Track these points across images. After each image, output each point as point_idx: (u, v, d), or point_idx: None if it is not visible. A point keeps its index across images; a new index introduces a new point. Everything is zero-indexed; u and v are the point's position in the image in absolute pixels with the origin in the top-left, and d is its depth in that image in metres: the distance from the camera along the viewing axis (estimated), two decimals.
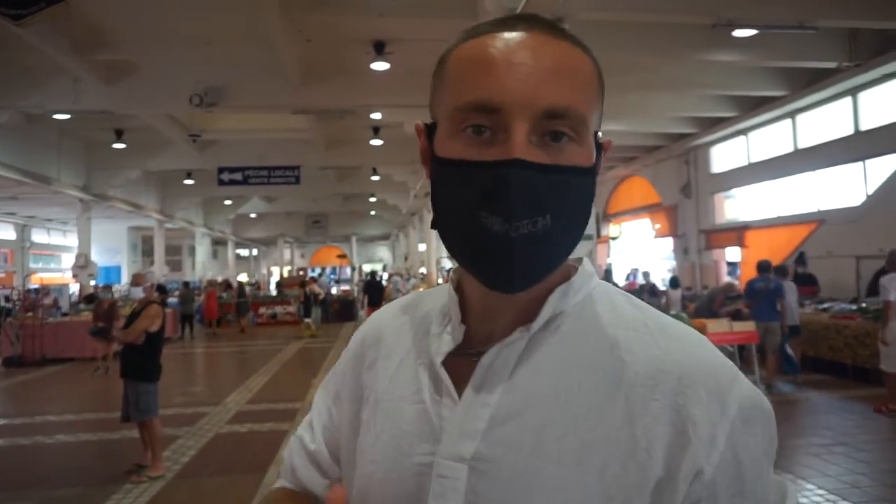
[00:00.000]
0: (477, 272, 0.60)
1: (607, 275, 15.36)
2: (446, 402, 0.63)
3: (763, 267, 7.94)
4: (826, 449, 5.17)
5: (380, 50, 8.94)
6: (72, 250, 24.23)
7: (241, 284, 23.27)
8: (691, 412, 0.55)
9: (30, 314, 12.92)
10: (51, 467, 5.38)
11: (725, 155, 14.47)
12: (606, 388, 0.58)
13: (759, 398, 0.58)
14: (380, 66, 9.20)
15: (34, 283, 24.58)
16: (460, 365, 0.64)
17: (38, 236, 27.50)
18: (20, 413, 7.75)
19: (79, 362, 11.71)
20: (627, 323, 0.62)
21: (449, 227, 0.61)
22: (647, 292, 12.70)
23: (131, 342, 4.91)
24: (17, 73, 10.18)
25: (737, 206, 14.60)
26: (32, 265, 26.96)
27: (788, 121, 12.12)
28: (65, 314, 14.24)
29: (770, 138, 12.84)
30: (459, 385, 0.63)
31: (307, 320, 15.81)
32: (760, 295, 7.75)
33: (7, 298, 17.85)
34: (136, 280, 5.23)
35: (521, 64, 0.56)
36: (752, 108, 12.05)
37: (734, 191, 14.51)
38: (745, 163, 13.65)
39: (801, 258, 11.40)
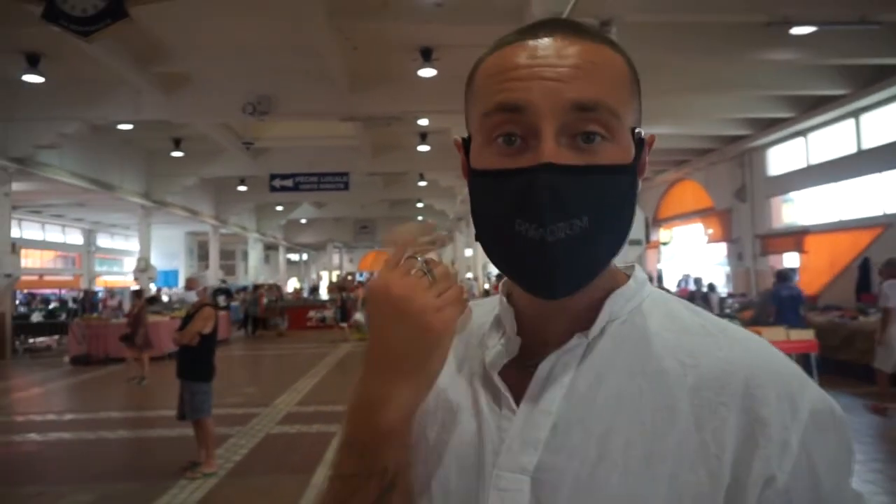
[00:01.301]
0: (518, 279, 0.60)
1: (658, 281, 15.01)
2: (505, 413, 0.62)
3: (786, 276, 7.95)
4: (890, 465, 4.91)
5: (427, 56, 9.02)
6: (133, 254, 25.29)
7: (278, 289, 23.73)
8: (760, 414, 0.53)
9: (95, 315, 13.56)
10: (112, 462, 5.63)
11: (783, 157, 13.95)
12: (670, 393, 0.56)
13: (831, 403, 0.56)
14: (427, 72, 9.28)
15: (99, 285, 25.81)
16: (516, 375, 0.63)
17: (103, 241, 28.82)
18: (86, 409, 8.14)
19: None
20: (686, 327, 0.61)
21: (488, 238, 0.61)
22: (699, 298, 12.36)
23: (186, 343, 5.08)
24: (82, 86, 10.76)
25: (795, 210, 14.06)
26: (98, 268, 28.27)
27: (851, 120, 11.59)
28: (126, 315, 14.87)
29: (831, 139, 12.30)
30: (517, 396, 0.62)
31: (343, 324, 15.95)
32: (786, 302, 7.74)
33: (75, 300, 18.79)
34: (189, 284, 5.41)
35: (544, 64, 0.56)
36: (811, 108, 11.59)
37: (792, 194, 13.97)
38: (804, 165, 13.12)
39: (864, 264, 10.89)
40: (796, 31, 7.69)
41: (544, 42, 0.57)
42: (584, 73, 0.56)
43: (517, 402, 0.61)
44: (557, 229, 0.55)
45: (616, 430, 0.56)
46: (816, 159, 12.75)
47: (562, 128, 0.55)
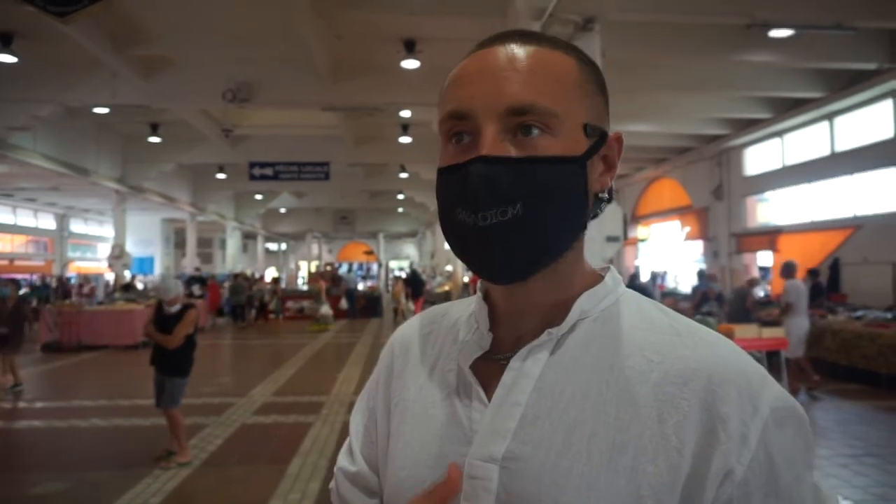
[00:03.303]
0: (468, 265, 0.63)
1: (633, 278, 15.16)
2: (476, 405, 0.64)
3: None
4: (856, 460, 5.05)
5: (410, 48, 8.98)
6: (107, 240, 24.87)
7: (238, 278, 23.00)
8: (721, 410, 0.55)
9: (67, 301, 13.32)
10: (85, 450, 5.56)
11: (759, 157, 14.19)
12: (634, 388, 0.59)
13: (791, 401, 0.58)
14: (410, 64, 9.25)
15: (72, 271, 25.33)
16: (489, 369, 0.66)
17: (77, 226, 28.27)
18: (57, 397, 8.02)
19: (113, 349, 12.04)
20: (655, 327, 0.63)
21: (443, 228, 0.65)
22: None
23: (170, 343, 5.03)
24: (57, 68, 10.50)
25: (770, 209, 14.32)
26: (70, 254, 27.74)
27: (825, 123, 11.83)
28: (100, 303, 14.65)
29: (806, 141, 12.55)
30: (489, 389, 0.64)
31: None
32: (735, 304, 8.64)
33: (45, 285, 18.42)
34: (170, 302, 5.27)
35: (489, 72, 0.61)
36: (788, 109, 11.80)
37: (767, 194, 14.23)
38: (780, 166, 13.36)
39: (835, 265, 11.15)
40: (775, 33, 7.81)
41: (494, 51, 0.63)
42: (520, 77, 0.60)
43: (488, 395, 0.64)
44: (490, 216, 0.58)
45: (581, 422, 0.59)
46: (792, 160, 12.99)
47: (502, 127, 0.60)
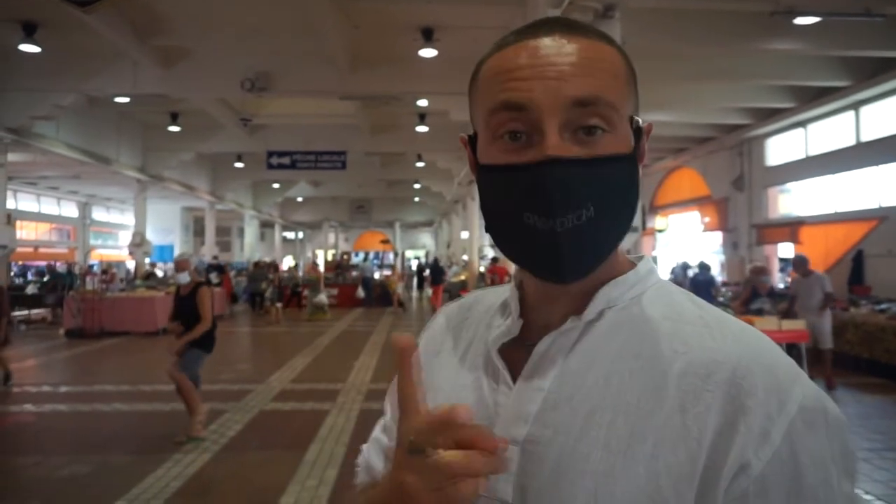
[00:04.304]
0: (530, 269, 0.63)
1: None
2: (502, 388, 0.66)
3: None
4: (877, 454, 5.00)
5: (428, 37, 8.95)
6: (128, 228, 25.21)
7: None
8: (744, 403, 0.55)
9: (89, 288, 13.57)
10: (107, 434, 5.68)
11: (782, 147, 13.95)
12: (658, 377, 0.59)
13: (825, 401, 0.56)
14: (427, 52, 9.21)
15: (94, 258, 25.75)
16: (517, 354, 0.67)
17: (98, 214, 28.69)
18: (81, 382, 8.18)
19: (134, 336, 12.25)
20: (684, 317, 0.63)
21: (498, 231, 0.63)
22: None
23: (205, 328, 5.23)
24: (80, 58, 10.63)
25: (792, 200, 14.09)
26: (93, 242, 28.18)
27: (851, 112, 11.59)
28: (122, 290, 14.88)
29: (830, 131, 12.30)
30: (516, 374, 0.65)
31: (278, 304, 15.79)
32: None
33: (69, 272, 18.75)
34: (180, 266, 5.40)
35: (543, 62, 0.59)
36: (812, 98, 11.58)
37: (790, 185, 14.00)
38: (803, 156, 13.13)
39: (858, 257, 10.96)
40: (800, 20, 7.65)
41: (544, 42, 0.60)
42: (582, 70, 0.58)
43: (514, 380, 0.65)
44: (567, 220, 0.57)
45: (602, 408, 0.59)
46: (815, 150, 12.76)
47: (564, 123, 0.58)
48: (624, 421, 0.58)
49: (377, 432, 0.82)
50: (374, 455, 0.80)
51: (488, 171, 0.62)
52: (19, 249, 15.66)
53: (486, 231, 0.65)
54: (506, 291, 0.75)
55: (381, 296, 20.09)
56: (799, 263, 7.84)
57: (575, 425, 0.59)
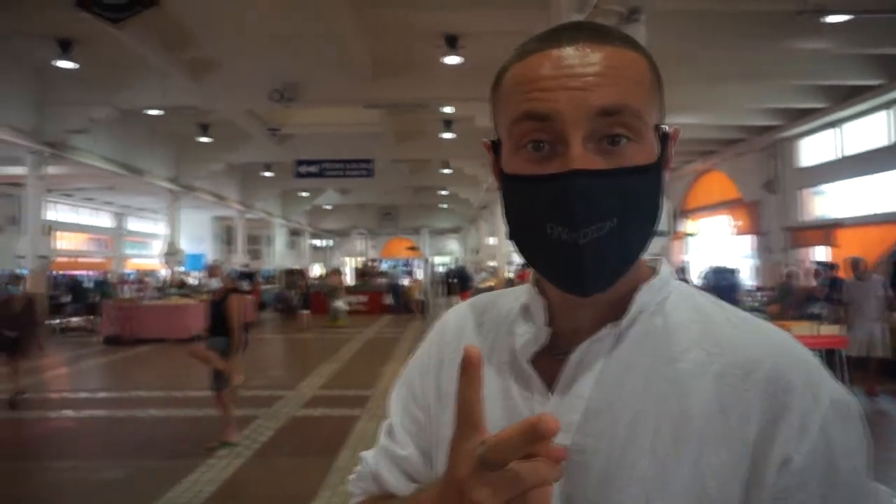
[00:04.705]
0: (553, 280, 0.63)
1: (682, 272, 14.81)
2: (538, 398, 0.65)
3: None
4: None
5: (452, 44, 8.99)
6: (161, 238, 25.75)
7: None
8: (784, 400, 0.56)
9: (126, 297, 13.91)
10: (142, 439, 5.80)
11: (814, 148, 13.64)
12: (696, 380, 0.59)
13: (849, 396, 0.58)
14: (452, 59, 9.26)
15: (129, 268, 26.37)
16: (546, 362, 0.66)
17: (133, 224, 29.36)
18: (117, 387, 8.38)
19: (168, 343, 12.51)
20: (711, 319, 0.63)
21: (521, 240, 0.63)
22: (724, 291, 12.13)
23: (238, 338, 5.31)
24: (113, 72, 10.95)
25: (827, 202, 13.76)
26: (128, 251, 28.86)
27: (886, 112, 11.28)
28: (155, 298, 15.21)
29: (865, 130, 11.99)
30: (547, 382, 0.65)
31: (306, 311, 15.81)
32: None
33: (106, 281, 19.24)
34: (212, 272, 5.54)
35: (568, 72, 0.58)
36: (845, 98, 11.30)
37: (824, 186, 13.67)
38: (837, 156, 12.82)
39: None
40: (831, 19, 7.49)
41: (567, 51, 0.59)
42: (606, 79, 0.58)
43: (547, 389, 0.65)
44: (590, 232, 0.57)
45: (644, 415, 0.59)
46: (850, 151, 12.44)
47: (589, 134, 0.58)
48: (667, 427, 0.58)
49: (384, 440, 0.78)
50: (384, 467, 0.75)
51: (512, 180, 0.62)
52: (57, 259, 16.14)
53: (510, 238, 0.65)
54: (522, 294, 0.74)
55: (409, 302, 20.16)
56: (855, 265, 7.41)
57: (618, 433, 0.59)
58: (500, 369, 0.70)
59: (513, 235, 0.65)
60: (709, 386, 0.58)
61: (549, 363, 0.66)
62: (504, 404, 0.67)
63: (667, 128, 0.63)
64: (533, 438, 0.45)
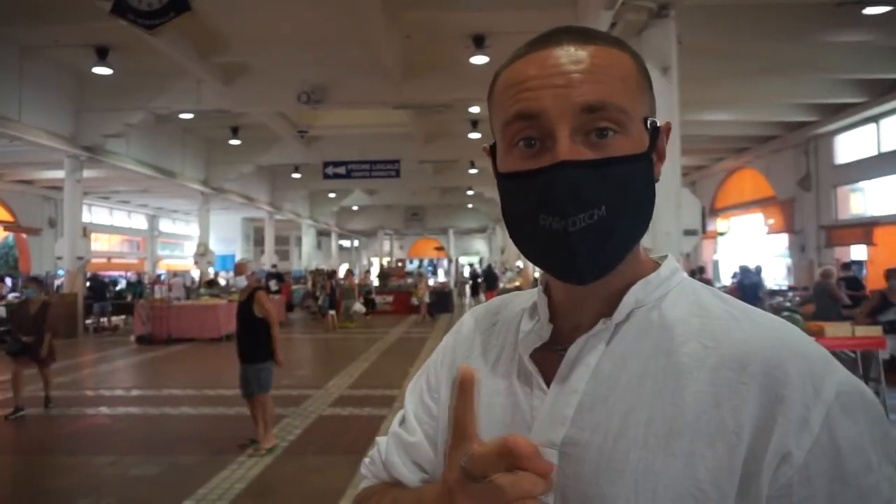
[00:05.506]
0: (548, 269, 0.65)
1: (700, 271, 14.56)
2: (537, 393, 0.67)
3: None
4: None
5: (479, 44, 8.99)
6: (193, 239, 26.27)
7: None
8: (780, 393, 0.55)
9: (159, 297, 14.21)
10: (175, 436, 5.92)
11: (852, 144, 13.29)
12: (692, 374, 0.59)
13: (859, 385, 0.56)
14: (479, 59, 9.25)
15: (161, 269, 26.96)
16: (549, 358, 0.68)
17: (165, 225, 30.02)
18: (150, 386, 8.57)
19: (199, 342, 12.74)
20: (711, 313, 0.63)
21: (517, 234, 0.65)
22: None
23: (275, 331, 5.30)
24: (147, 78, 11.22)
25: (864, 199, 13.38)
26: (160, 252, 29.51)
27: None
28: (184, 298, 15.51)
29: None
30: (550, 378, 0.66)
31: (332, 312, 15.58)
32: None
33: (140, 281, 19.68)
34: (238, 270, 5.57)
35: (553, 71, 0.61)
36: (884, 92, 10.98)
37: (861, 183, 13.30)
38: (875, 153, 12.47)
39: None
40: (869, 10, 7.29)
41: (553, 52, 0.63)
42: (590, 77, 0.61)
43: (548, 384, 0.66)
44: (579, 220, 0.59)
45: (637, 408, 0.60)
46: (889, 146, 12.08)
47: (575, 128, 0.60)
48: (660, 419, 0.58)
49: (396, 426, 0.81)
50: (393, 452, 0.79)
51: (506, 178, 0.65)
52: (93, 260, 16.55)
53: (510, 237, 0.67)
54: (533, 295, 0.76)
55: (436, 303, 20.19)
56: (890, 275, 7.13)
57: (612, 426, 0.60)
58: (507, 368, 0.72)
59: (512, 233, 0.67)
60: (704, 379, 0.58)
61: (551, 359, 0.67)
62: (510, 401, 0.69)
63: (657, 122, 0.65)
64: (508, 457, 0.48)
